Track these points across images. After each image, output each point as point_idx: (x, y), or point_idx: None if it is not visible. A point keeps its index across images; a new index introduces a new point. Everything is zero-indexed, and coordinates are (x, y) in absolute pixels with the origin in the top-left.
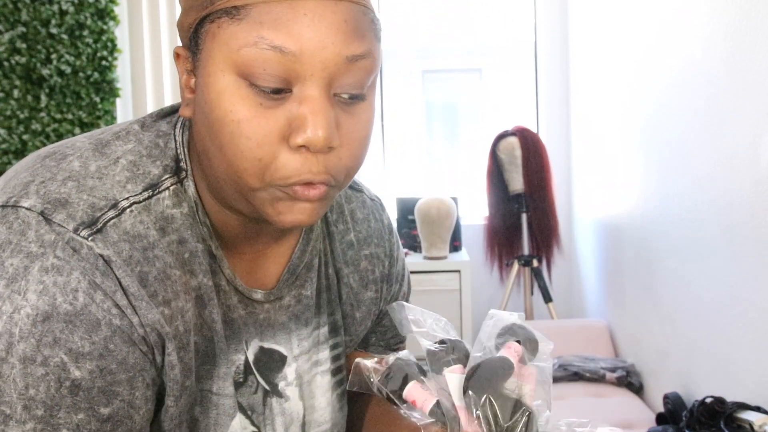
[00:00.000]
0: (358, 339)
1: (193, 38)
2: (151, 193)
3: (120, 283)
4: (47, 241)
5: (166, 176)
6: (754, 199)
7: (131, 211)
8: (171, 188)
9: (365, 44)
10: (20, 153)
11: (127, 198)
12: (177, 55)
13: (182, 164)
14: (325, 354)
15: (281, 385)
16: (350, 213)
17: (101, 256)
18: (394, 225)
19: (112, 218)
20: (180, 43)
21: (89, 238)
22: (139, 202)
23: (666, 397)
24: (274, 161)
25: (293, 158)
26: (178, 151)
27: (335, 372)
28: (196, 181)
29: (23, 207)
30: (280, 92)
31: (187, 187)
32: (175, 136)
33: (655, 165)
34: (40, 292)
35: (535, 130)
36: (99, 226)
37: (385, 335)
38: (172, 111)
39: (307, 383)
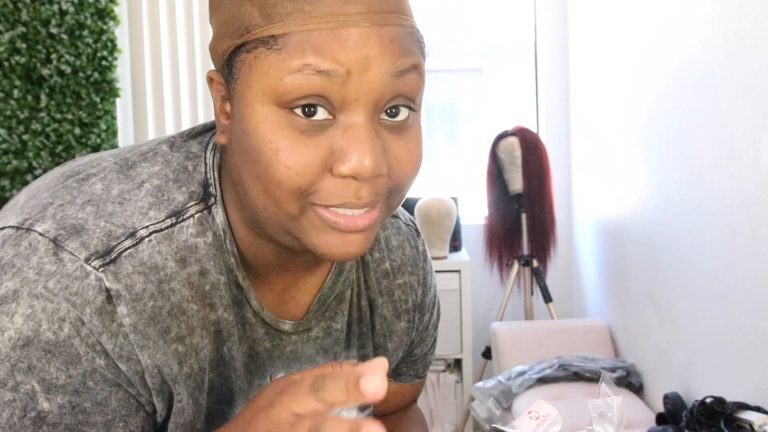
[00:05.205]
0: (388, 370)
1: (227, 65)
2: (174, 221)
3: (120, 322)
4: (46, 270)
5: (192, 203)
6: (754, 199)
7: (150, 240)
8: (196, 216)
9: (411, 59)
10: (20, 153)
11: (147, 227)
12: (210, 80)
13: (211, 189)
14: None
15: None
16: (385, 240)
17: (107, 290)
18: None
19: (128, 248)
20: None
21: (100, 269)
22: (161, 230)
23: (666, 397)
24: (314, 187)
25: (336, 183)
26: (208, 176)
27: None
28: (227, 208)
29: (36, 231)
30: (323, 119)
31: (215, 215)
32: (205, 159)
33: (655, 165)
34: (27, 317)
35: (535, 130)
36: (113, 257)
37: (416, 365)
38: (204, 130)
39: None
